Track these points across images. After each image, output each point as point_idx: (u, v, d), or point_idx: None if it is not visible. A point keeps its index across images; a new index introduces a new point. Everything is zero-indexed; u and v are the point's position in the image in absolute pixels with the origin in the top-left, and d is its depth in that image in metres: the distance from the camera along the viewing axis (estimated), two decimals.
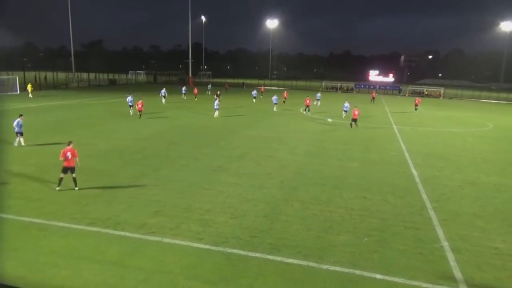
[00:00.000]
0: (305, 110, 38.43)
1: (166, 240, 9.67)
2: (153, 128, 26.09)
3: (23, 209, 11.19)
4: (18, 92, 47.82)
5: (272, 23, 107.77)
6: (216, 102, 32.51)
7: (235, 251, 9.25)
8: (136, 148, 19.95)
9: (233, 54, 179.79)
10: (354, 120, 28.83)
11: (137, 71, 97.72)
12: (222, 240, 9.75)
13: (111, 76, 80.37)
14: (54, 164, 16.22)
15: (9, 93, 46.43)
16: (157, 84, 79.21)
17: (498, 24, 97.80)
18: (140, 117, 29.85)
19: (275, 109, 39.20)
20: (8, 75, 52.85)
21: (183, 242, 9.57)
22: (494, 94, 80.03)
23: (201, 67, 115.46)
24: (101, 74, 78.41)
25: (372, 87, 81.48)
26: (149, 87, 69.83)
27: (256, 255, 9.09)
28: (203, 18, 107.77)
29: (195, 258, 8.85)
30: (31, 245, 9.14)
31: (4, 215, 10.62)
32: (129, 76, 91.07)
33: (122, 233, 9.97)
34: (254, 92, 51.02)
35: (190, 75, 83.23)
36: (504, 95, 79.52)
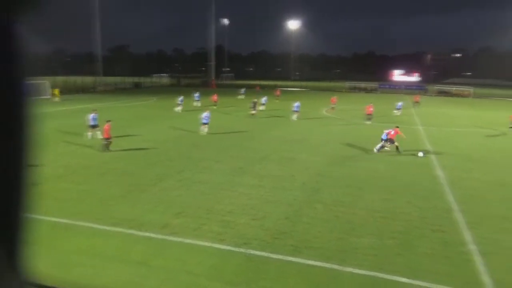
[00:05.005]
0: (368, 119, 31.65)
1: (188, 240, 9.80)
2: (177, 131, 26.47)
3: (51, 209, 11.57)
4: (50, 97, 49.60)
5: (294, 24, 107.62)
6: (206, 114, 24.93)
7: (257, 252, 9.27)
8: (160, 150, 20.29)
9: (256, 56, 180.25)
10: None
11: (161, 74, 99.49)
12: (243, 241, 9.79)
13: (136, 79, 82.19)
14: (82, 165, 16.73)
15: (41, 97, 48.31)
16: (180, 87, 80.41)
17: None
18: (107, 148, 19.41)
19: (294, 117, 32.83)
20: (40, 80, 54.90)
21: (205, 243, 9.67)
22: None
23: (223, 69, 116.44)
24: (126, 78, 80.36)
25: (416, 88, 79.51)
26: (172, 90, 70.99)
27: (278, 257, 9.08)
28: (225, 20, 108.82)
29: (216, 259, 8.92)
30: (58, 244, 9.45)
31: (34, 215, 11.01)
32: (153, 79, 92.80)
33: (146, 233, 10.17)
34: (243, 90, 54.50)
35: (213, 77, 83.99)
36: None
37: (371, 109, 31.90)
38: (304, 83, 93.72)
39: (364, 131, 28.05)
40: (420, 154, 19.99)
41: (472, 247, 9.79)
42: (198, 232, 10.31)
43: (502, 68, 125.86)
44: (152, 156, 19.00)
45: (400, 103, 39.27)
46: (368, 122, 31.13)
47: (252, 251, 9.30)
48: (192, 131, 25.89)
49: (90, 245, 9.46)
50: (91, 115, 22.47)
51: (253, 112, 34.22)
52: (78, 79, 67.03)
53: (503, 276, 8.47)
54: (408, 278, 8.28)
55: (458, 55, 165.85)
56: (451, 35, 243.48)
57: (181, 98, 38.56)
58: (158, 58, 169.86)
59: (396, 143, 20.47)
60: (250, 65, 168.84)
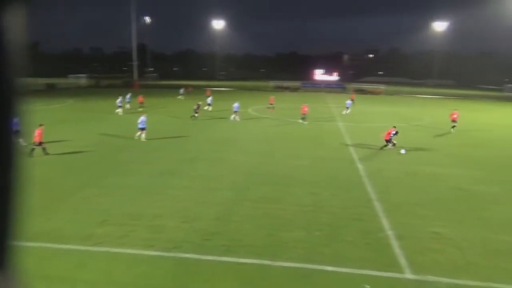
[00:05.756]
0: (303, 119, 31.88)
1: (114, 250, 9.30)
2: (99, 134, 24.95)
3: None
4: None
5: (219, 24, 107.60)
6: (142, 119, 23.08)
7: (188, 255, 9.11)
8: (81, 154, 18.97)
9: (181, 55, 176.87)
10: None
11: (78, 75, 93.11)
12: (173, 245, 9.55)
13: (49, 80, 75.81)
14: None
15: None
16: (100, 89, 75.98)
17: (431, 24, 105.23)
18: (44, 153, 18.41)
19: (236, 118, 32.60)
20: None
21: (133, 251, 9.25)
22: (429, 90, 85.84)
23: (146, 69, 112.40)
24: (39, 79, 73.71)
25: (335, 86, 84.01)
26: (91, 92, 66.82)
27: (210, 258, 9.01)
28: (147, 18, 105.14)
29: (146, 266, 8.59)
30: None
31: None
32: (70, 80, 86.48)
33: (67, 246, 9.44)
34: (182, 90, 53.60)
35: (136, 77, 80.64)
36: (437, 90, 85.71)
37: (306, 109, 32.42)
38: (230, 83, 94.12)
39: (295, 130, 29.04)
40: (403, 151, 20.99)
41: (389, 233, 10.65)
42: (125, 240, 9.83)
43: (408, 67, 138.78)
44: (72, 161, 17.70)
45: (349, 102, 40.84)
46: (303, 122, 31.71)
47: (183, 255, 9.12)
48: (116, 135, 24.62)
49: None
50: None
51: (196, 114, 32.84)
52: None
53: (416, 257, 9.33)
54: (334, 266, 8.75)
55: (371, 55, 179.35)
56: (365, 37, 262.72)
57: (119, 99, 36.38)
58: (74, 58, 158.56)
59: (391, 142, 21.61)
60: (175, 65, 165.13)
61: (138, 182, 14.78)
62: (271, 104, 41.67)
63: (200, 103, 34.87)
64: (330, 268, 8.67)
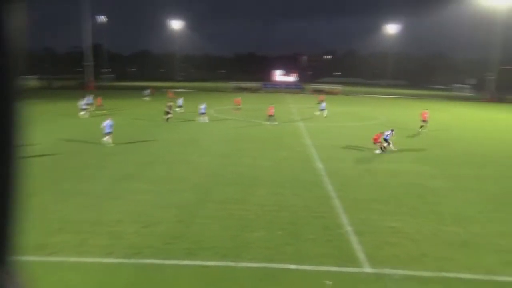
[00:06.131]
0: (268, 120, 31.96)
1: (71, 259, 8.92)
2: (53, 138, 23.74)
3: None
4: None
5: (177, 24, 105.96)
6: (108, 122, 22.01)
7: (149, 261, 8.91)
8: (32, 160, 18.00)
9: (138, 55, 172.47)
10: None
11: (27, 76, 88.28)
12: (134, 251, 9.31)
13: None
14: None
15: None
16: (52, 90, 72.49)
17: (384, 27, 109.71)
18: None
19: (205, 119, 32.18)
20: None
21: (90, 259, 8.92)
22: (383, 90, 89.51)
23: (102, 70, 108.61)
24: None
25: (294, 87, 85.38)
26: (42, 94, 63.63)
27: (172, 262, 8.87)
28: (102, 17, 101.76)
29: (105, 275, 8.31)
30: None
31: None
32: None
33: (19, 257, 8.91)
34: (147, 91, 53.33)
35: (90, 78, 77.62)
36: (391, 90, 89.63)
37: (273, 110, 32.30)
38: (190, 84, 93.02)
39: (258, 131, 29.17)
40: (377, 151, 21.34)
41: (348, 229, 10.98)
42: (82, 248, 9.46)
43: (364, 68, 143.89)
44: (23, 167, 16.72)
45: (323, 104, 39.49)
46: (270, 123, 31.50)
47: (145, 260, 8.91)
48: (72, 139, 23.58)
49: None
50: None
51: (169, 116, 31.78)
52: None
53: (374, 251, 9.69)
54: (297, 264, 8.90)
55: (329, 56, 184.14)
56: (323, 38, 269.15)
57: (84, 101, 34.41)
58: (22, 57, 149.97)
59: (384, 144, 21.58)
60: (132, 66, 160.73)
61: (96, 187, 14.26)
62: (238, 105, 41.66)
63: (170, 104, 33.69)
64: (293, 267, 8.81)
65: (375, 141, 21.70)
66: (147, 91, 54.22)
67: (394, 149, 21.80)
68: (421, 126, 29.51)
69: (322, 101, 45.08)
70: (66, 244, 9.65)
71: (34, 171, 16.35)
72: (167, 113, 32.09)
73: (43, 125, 29.01)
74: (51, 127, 28.03)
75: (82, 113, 33.84)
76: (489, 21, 73.73)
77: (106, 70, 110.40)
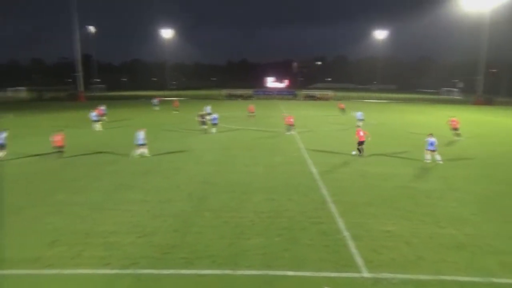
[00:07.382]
0: (289, 130, 30.94)
1: (67, 271, 8.80)
2: (46, 149, 23.47)
3: None
4: None
5: (167, 33, 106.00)
6: (140, 133, 21.44)
7: (146, 271, 8.83)
8: (26, 171, 17.79)
9: (129, 65, 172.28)
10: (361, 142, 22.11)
11: (18, 88, 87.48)
12: (131, 261, 9.22)
13: None
14: None
15: None
16: (43, 102, 71.87)
17: (373, 32, 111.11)
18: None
19: (213, 130, 30.88)
20: None
21: (87, 271, 8.81)
22: (374, 94, 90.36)
23: (92, 80, 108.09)
24: None
25: (286, 93, 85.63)
26: (32, 105, 63.01)
27: (169, 272, 8.80)
28: (91, 28, 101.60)
29: (101, 286, 8.21)
30: None
31: None
32: (8, 93, 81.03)
33: (13, 271, 8.80)
34: (156, 101, 53.62)
35: (81, 89, 77.09)
36: (381, 94, 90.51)
37: (292, 119, 31.23)
38: (182, 92, 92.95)
39: (248, 137, 29.15)
40: (353, 152, 21.40)
41: (346, 234, 10.99)
42: (78, 260, 9.34)
43: (354, 73, 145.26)
44: (17, 179, 16.53)
45: (359, 113, 36.79)
46: (290, 133, 30.62)
47: (142, 271, 8.83)
48: (65, 150, 23.31)
49: None
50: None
51: (204, 126, 30.84)
52: None
53: (371, 255, 9.71)
54: (295, 271, 8.88)
55: (320, 63, 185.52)
56: (313, 45, 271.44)
57: (94, 113, 32.87)
58: (12, 69, 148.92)
59: (361, 146, 21.70)
60: (123, 75, 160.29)
61: (90, 199, 14.12)
62: (252, 113, 41.64)
63: (203, 113, 32.79)
64: (290, 273, 8.79)
65: (360, 138, 21.72)
66: (156, 100, 53.98)
67: (441, 161, 20.28)
68: (456, 134, 28.34)
69: (343, 109, 43.73)
70: (61, 256, 9.52)
71: (28, 183, 16.17)
72: (203, 123, 31.10)
73: (36, 137, 28.74)
74: (43, 139, 27.72)
75: (96, 125, 31.99)
76: (475, 25, 75.07)
77: (96, 80, 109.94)
